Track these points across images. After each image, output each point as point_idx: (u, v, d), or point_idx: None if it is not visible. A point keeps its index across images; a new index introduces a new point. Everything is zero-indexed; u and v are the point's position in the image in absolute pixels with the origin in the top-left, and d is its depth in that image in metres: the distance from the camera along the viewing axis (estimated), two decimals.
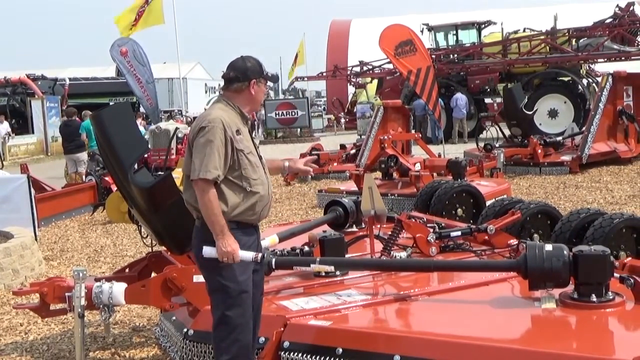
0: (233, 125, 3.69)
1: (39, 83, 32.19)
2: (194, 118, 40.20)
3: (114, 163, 4.81)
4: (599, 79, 17.92)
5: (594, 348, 3.62)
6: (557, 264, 4.15)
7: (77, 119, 16.42)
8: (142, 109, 25.28)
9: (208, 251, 3.69)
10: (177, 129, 15.09)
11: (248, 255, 3.69)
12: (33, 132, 29.73)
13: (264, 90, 3.88)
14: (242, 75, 3.78)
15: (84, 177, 14.50)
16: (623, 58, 22.77)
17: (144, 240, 5.63)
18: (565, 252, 4.19)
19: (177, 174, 12.05)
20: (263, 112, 29.57)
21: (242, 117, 3.81)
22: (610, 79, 14.43)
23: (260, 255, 3.74)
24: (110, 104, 24.36)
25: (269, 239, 5.53)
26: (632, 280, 4.16)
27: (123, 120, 4.94)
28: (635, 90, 14.82)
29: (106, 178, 11.95)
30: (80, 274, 4.50)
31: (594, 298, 4.11)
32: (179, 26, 24.58)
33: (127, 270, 5.53)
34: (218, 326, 3.79)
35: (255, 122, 30.03)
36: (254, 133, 4.10)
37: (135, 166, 4.84)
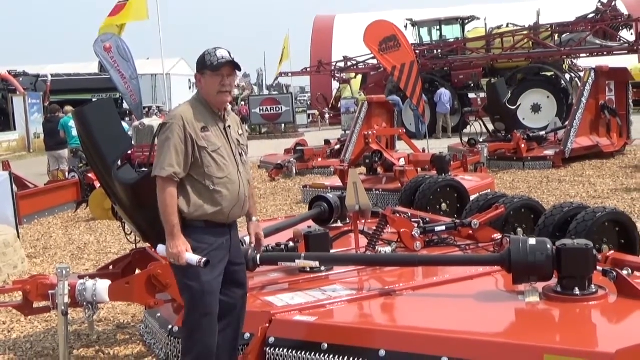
0: (199, 121, 3.60)
1: (21, 79, 31.91)
2: None
3: (97, 160, 4.78)
4: (582, 74, 18.07)
5: (578, 341, 3.65)
6: (540, 257, 4.18)
7: (62, 114, 16.29)
8: (125, 105, 25.11)
9: (161, 249, 3.66)
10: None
11: (193, 258, 3.51)
12: (15, 129, 29.51)
13: (211, 82, 3.65)
14: (196, 69, 3.73)
15: (66, 174, 14.40)
16: (605, 53, 22.95)
17: (128, 237, 5.60)
18: (548, 246, 4.21)
19: None
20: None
21: (212, 113, 3.70)
22: (592, 74, 14.53)
23: (204, 260, 3.51)
24: (93, 100, 24.22)
25: None
26: (614, 274, 4.20)
27: (106, 117, 4.90)
28: (617, 85, 14.94)
29: (89, 175, 11.88)
30: (64, 272, 4.47)
31: (577, 291, 4.14)
32: (163, 21, 24.46)
33: (111, 267, 5.49)
34: (183, 325, 3.77)
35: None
36: (241, 128, 3.92)
37: (119, 162, 4.81)
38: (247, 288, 3.99)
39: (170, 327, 4.53)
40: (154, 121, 16.79)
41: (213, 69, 3.63)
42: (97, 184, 9.63)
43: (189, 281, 3.60)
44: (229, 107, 3.84)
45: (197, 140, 3.56)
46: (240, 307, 3.92)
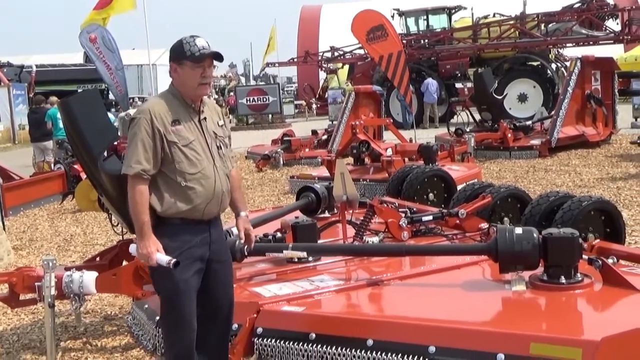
0: (169, 114, 3.41)
1: (5, 70, 31.60)
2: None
3: (82, 151, 4.75)
4: (568, 64, 18.11)
5: (564, 329, 3.67)
6: (527, 246, 4.20)
7: (49, 105, 16.16)
8: (111, 96, 24.98)
9: (133, 249, 3.51)
10: None
11: (163, 259, 3.34)
12: None
13: (190, 72, 3.43)
14: (169, 59, 3.50)
15: (52, 165, 14.31)
16: (591, 43, 23.04)
17: (115, 229, 5.57)
18: (534, 235, 4.24)
19: None
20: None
21: (185, 105, 3.49)
22: (578, 64, 14.58)
23: (174, 261, 3.32)
24: (79, 91, 24.05)
25: None
26: (600, 262, 4.23)
27: (91, 108, 4.87)
28: (603, 75, 15.00)
29: (75, 166, 11.81)
30: (50, 264, 4.44)
31: (563, 280, 4.17)
32: (148, 11, 24.29)
33: (97, 258, 5.47)
34: (161, 324, 3.69)
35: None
36: (222, 119, 3.76)
37: (105, 154, 4.78)
38: (231, 287, 3.79)
39: (157, 318, 4.51)
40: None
41: (195, 60, 3.43)
42: (83, 176, 9.57)
43: (162, 280, 3.47)
44: (205, 97, 3.64)
45: (166, 135, 3.38)
46: (227, 307, 3.74)
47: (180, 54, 3.45)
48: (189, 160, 3.43)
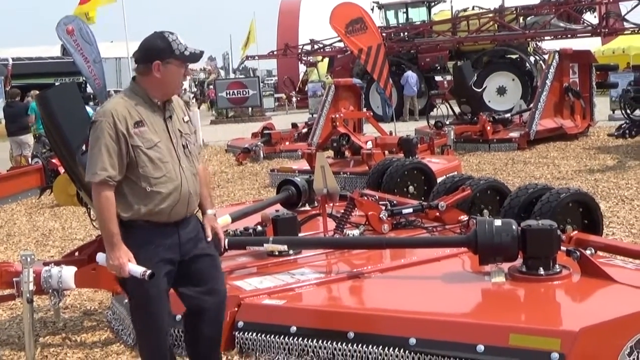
0: (132, 116, 3.19)
1: None
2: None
3: (60, 145, 4.70)
4: (546, 57, 18.23)
5: (543, 320, 3.71)
6: (506, 238, 4.23)
7: (30, 99, 15.98)
8: (89, 89, 24.75)
9: (101, 259, 3.34)
10: None
11: (137, 270, 3.18)
12: None
13: (175, 71, 3.28)
14: (144, 56, 3.26)
15: (29, 159, 14.16)
16: (569, 36, 23.18)
17: (94, 223, 5.51)
18: (513, 227, 4.27)
19: None
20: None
21: (151, 104, 3.28)
22: (556, 57, 14.67)
23: (148, 272, 3.16)
24: (56, 84, 23.79)
25: (221, 219, 5.48)
26: (578, 253, 4.27)
27: (69, 101, 4.83)
28: (581, 68, 15.11)
29: (53, 160, 11.69)
30: (28, 259, 4.40)
31: (541, 271, 4.20)
32: (127, 4, 24.07)
33: (76, 253, 5.43)
34: (134, 328, 3.59)
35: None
36: (187, 114, 3.47)
37: (83, 147, 4.73)
38: (218, 282, 3.55)
39: None
40: None
41: (184, 60, 3.29)
42: (62, 170, 9.49)
43: (132, 286, 3.30)
44: None
45: (130, 139, 3.18)
46: (216, 304, 3.52)
47: (168, 52, 3.24)
48: (154, 164, 3.23)
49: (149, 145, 3.23)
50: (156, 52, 3.24)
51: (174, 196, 3.28)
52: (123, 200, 3.24)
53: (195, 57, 3.33)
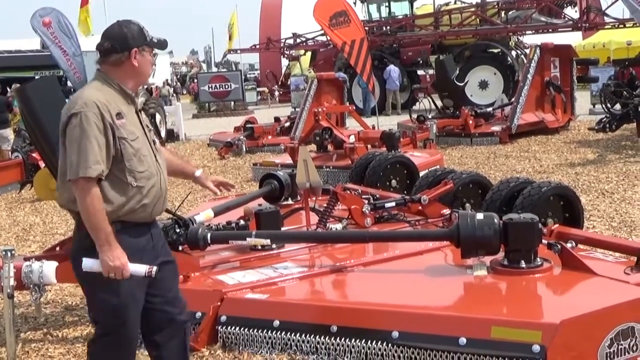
0: (113, 107, 3.03)
1: None
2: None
3: (40, 139, 4.66)
4: (527, 51, 18.33)
5: (524, 312, 3.74)
6: (488, 232, 4.25)
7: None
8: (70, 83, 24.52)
9: (89, 264, 3.00)
10: None
11: (140, 269, 3.01)
12: None
13: (150, 59, 3.20)
14: (120, 45, 3.10)
15: (9, 153, 14.03)
16: (550, 30, 23.37)
17: None
18: (495, 221, 4.29)
19: None
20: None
21: (125, 96, 3.15)
22: (538, 51, 14.74)
23: (155, 268, 3.03)
24: (36, 77, 23.51)
25: (204, 213, 5.47)
26: (559, 247, 4.31)
27: (49, 95, 4.79)
28: (562, 62, 15.21)
29: (33, 154, 11.58)
30: (9, 254, 4.36)
31: (523, 264, 4.24)
32: None
33: (57, 248, 5.37)
34: (96, 342, 3.23)
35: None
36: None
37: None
38: (176, 293, 3.38)
39: None
40: None
41: (155, 47, 3.22)
42: (42, 164, 9.42)
43: (105, 295, 3.05)
44: None
45: (117, 130, 3.01)
46: (182, 312, 3.37)
47: (142, 39, 3.15)
48: (138, 157, 3.09)
49: (132, 137, 3.09)
50: (132, 39, 3.13)
51: (156, 191, 3.17)
52: (104, 198, 3.01)
53: (163, 44, 3.27)
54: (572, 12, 23.82)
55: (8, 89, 17.71)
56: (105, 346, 3.17)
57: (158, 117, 17.23)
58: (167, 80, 39.60)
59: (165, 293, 3.30)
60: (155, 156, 3.22)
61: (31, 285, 4.56)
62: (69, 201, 3.10)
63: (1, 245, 7.39)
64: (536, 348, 3.33)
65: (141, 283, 3.11)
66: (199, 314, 4.21)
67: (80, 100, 3.02)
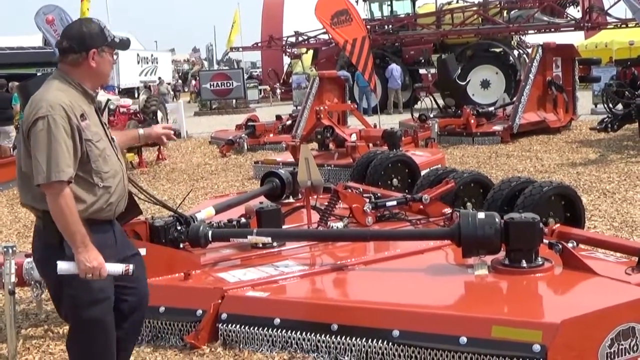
0: (77, 109, 3.00)
1: None
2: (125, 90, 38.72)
3: None
4: (530, 50, 18.31)
5: (525, 312, 3.74)
6: (489, 231, 4.25)
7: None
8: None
9: (65, 267, 2.96)
10: (108, 100, 14.78)
11: (117, 269, 3.03)
12: None
13: (109, 60, 3.16)
14: (77, 44, 3.06)
15: (11, 150, 14.03)
16: (552, 30, 23.34)
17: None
18: (496, 220, 4.29)
19: None
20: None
21: (86, 96, 3.12)
22: (540, 50, 14.73)
23: (131, 267, 3.06)
24: (38, 74, 23.52)
25: (205, 211, 5.48)
26: (560, 246, 4.31)
27: None
28: (564, 62, 15.19)
29: None
30: (10, 250, 4.37)
31: (524, 264, 4.23)
32: None
33: None
34: (73, 340, 3.22)
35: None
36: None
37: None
38: (146, 283, 3.43)
39: None
40: (102, 96, 16.47)
41: (116, 47, 3.20)
42: None
43: (77, 293, 3.04)
44: None
45: (83, 132, 2.99)
46: (143, 306, 3.40)
47: (102, 40, 3.12)
48: (103, 158, 3.09)
49: (96, 138, 3.08)
50: (91, 40, 3.09)
51: (120, 189, 3.18)
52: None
53: (124, 44, 3.28)
54: (574, 12, 23.80)
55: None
56: (84, 344, 3.16)
57: (160, 114, 17.25)
58: (159, 78, 39.37)
59: (134, 284, 3.30)
60: (117, 155, 3.22)
61: (32, 282, 4.58)
62: (34, 200, 3.06)
63: (2, 242, 7.40)
64: (537, 348, 3.33)
65: (109, 278, 3.09)
66: (199, 312, 4.21)
67: (44, 102, 2.97)
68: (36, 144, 2.93)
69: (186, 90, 44.48)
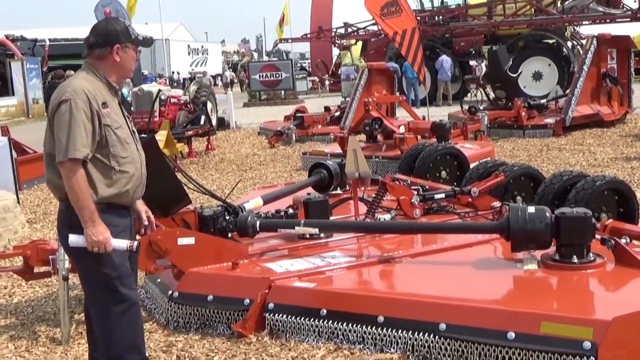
0: (99, 96, 3.27)
1: (19, 44, 31.59)
2: (177, 81, 39.28)
3: None
4: (584, 42, 17.92)
5: (575, 308, 3.68)
6: (539, 225, 4.19)
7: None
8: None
9: (74, 239, 3.25)
10: (159, 90, 15.00)
11: (122, 244, 3.28)
12: (13, 94, 29.31)
13: (133, 55, 3.44)
14: (103, 40, 3.35)
15: None
16: (608, 20, 22.74)
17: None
18: (547, 214, 4.23)
19: (161, 136, 11.99)
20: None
21: (110, 88, 3.39)
22: (594, 42, 14.42)
23: (135, 243, 3.32)
24: None
25: (253, 201, 5.53)
26: (612, 242, 4.22)
27: None
28: (619, 53, 14.85)
29: None
30: None
31: (575, 259, 4.16)
32: None
33: None
34: (99, 320, 3.44)
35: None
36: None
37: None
38: (133, 274, 3.62)
39: (170, 292, 4.56)
40: (153, 87, 16.75)
41: (140, 44, 3.47)
42: None
43: (101, 268, 3.29)
44: None
45: (102, 118, 3.25)
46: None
47: (126, 36, 3.39)
48: (122, 144, 3.33)
49: (116, 125, 3.33)
50: (116, 36, 3.37)
51: (137, 177, 3.41)
52: (89, 181, 3.24)
53: (148, 42, 3.51)
54: (630, 2, 23.16)
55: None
56: (118, 315, 3.36)
57: (210, 105, 17.44)
58: (223, 70, 39.85)
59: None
60: (137, 145, 3.45)
61: None
62: (55, 177, 3.30)
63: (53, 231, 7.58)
64: (587, 345, 3.27)
65: (124, 256, 3.36)
66: (247, 301, 4.26)
67: (69, 88, 3.26)
68: (58, 125, 3.21)
69: (236, 81, 44.85)
